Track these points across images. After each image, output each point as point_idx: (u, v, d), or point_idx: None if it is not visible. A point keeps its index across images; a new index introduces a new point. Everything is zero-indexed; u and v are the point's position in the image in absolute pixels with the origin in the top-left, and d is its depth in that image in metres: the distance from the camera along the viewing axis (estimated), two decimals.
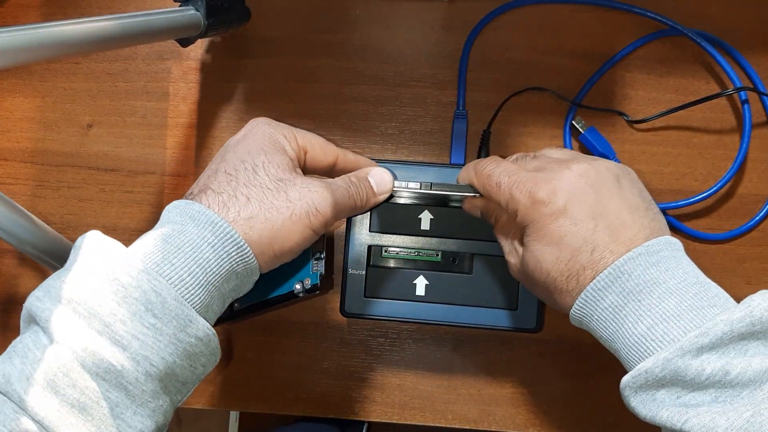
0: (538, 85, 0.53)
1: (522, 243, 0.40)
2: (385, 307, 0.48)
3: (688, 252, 0.52)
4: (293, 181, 0.38)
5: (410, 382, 0.53)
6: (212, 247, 0.35)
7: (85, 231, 0.54)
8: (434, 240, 0.48)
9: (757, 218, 0.52)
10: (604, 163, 0.40)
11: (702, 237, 0.52)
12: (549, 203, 0.38)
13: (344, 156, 0.44)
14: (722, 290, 0.36)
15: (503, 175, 0.40)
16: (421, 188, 0.43)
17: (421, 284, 0.48)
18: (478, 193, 0.42)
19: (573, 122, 0.52)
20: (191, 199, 0.37)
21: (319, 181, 0.39)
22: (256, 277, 0.38)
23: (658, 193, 0.52)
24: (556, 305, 0.40)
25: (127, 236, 0.55)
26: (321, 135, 0.54)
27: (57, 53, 0.37)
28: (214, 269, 0.35)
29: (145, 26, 0.42)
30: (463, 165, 0.52)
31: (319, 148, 0.42)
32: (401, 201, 0.48)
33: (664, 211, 0.52)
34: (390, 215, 0.48)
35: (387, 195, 0.44)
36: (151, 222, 0.54)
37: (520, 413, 0.52)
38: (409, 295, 0.48)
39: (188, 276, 0.34)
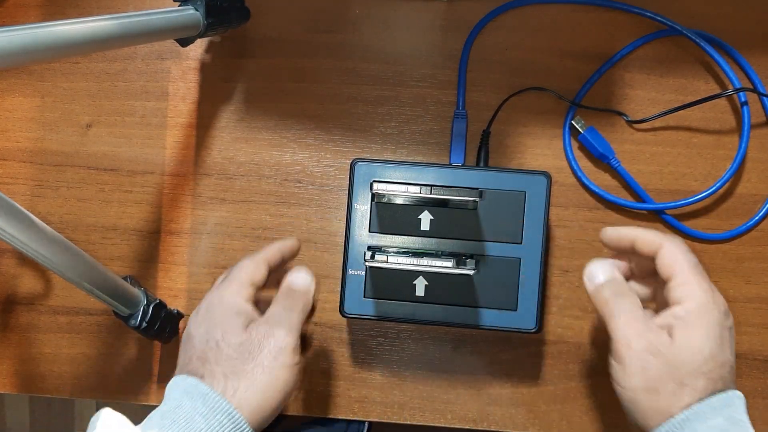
0: (538, 85, 0.53)
1: (672, 316, 0.40)
2: (384, 308, 0.48)
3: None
4: (250, 339, 0.41)
5: (410, 381, 0.53)
6: (204, 417, 0.38)
7: (85, 231, 0.55)
8: (434, 240, 0.48)
9: (757, 218, 0.52)
10: None
11: (702, 237, 0.52)
12: (723, 305, 0.40)
13: (272, 257, 0.45)
14: None
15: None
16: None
17: (420, 285, 0.48)
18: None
19: (572, 122, 0.52)
20: (185, 372, 0.41)
21: (265, 325, 0.41)
22: None
23: (658, 193, 0.52)
24: (665, 396, 0.38)
25: (126, 236, 0.55)
26: (320, 135, 0.55)
27: (57, 53, 0.36)
28: None
29: (144, 26, 0.42)
30: (462, 165, 0.52)
31: (260, 276, 0.44)
32: (400, 201, 0.48)
33: (663, 210, 0.52)
34: (390, 216, 0.48)
35: (311, 285, 0.45)
36: (151, 222, 0.55)
37: (520, 413, 0.52)
38: (409, 296, 0.48)
39: None
